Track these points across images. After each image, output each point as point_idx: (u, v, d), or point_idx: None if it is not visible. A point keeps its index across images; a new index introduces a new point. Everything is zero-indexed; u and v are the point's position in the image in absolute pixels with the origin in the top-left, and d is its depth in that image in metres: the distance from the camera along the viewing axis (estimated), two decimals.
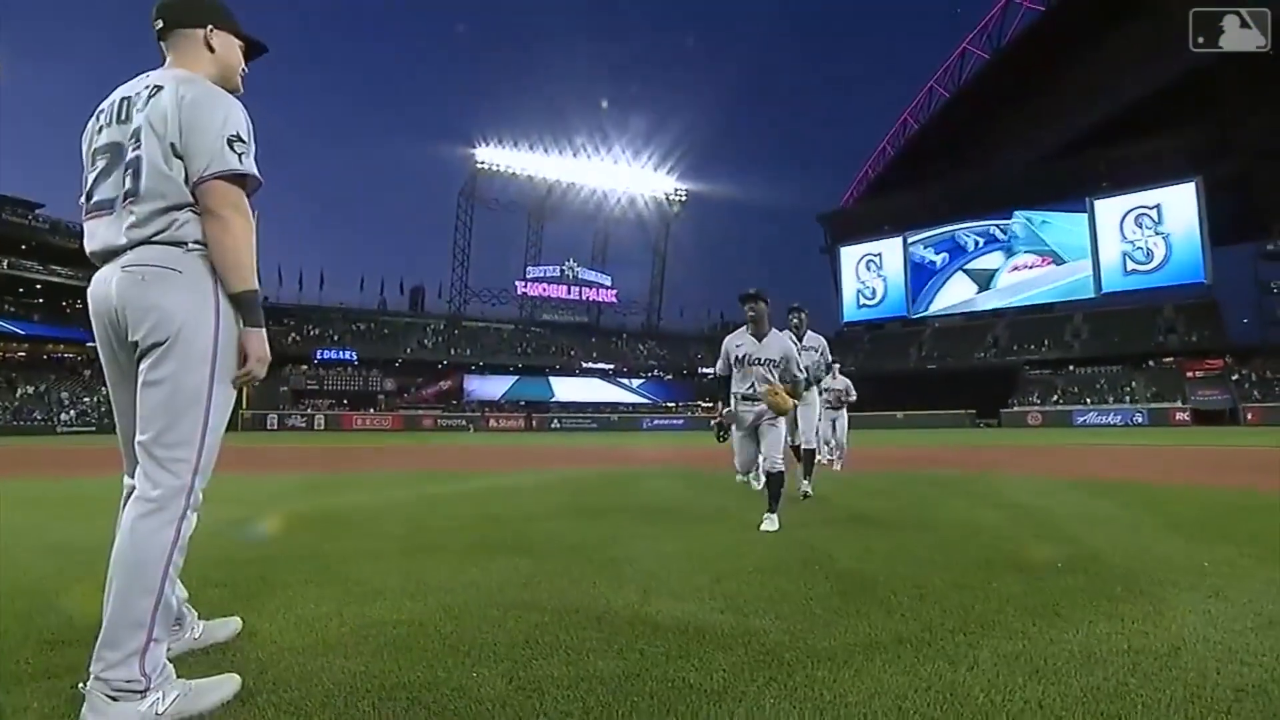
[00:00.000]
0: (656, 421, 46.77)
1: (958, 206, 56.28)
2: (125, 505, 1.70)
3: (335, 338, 50.02)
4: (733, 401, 4.48)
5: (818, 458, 6.10)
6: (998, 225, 55.22)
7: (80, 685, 1.59)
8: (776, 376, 4.37)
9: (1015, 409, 42.65)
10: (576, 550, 3.55)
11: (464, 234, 56.89)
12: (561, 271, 58.50)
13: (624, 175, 59.53)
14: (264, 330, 1.77)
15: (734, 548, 3.64)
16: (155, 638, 1.61)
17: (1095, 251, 50.60)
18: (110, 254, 1.71)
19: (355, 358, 48.96)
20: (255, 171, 1.74)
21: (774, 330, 4.51)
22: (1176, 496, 5.90)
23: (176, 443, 1.65)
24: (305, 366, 47.57)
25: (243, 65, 1.94)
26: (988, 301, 56.24)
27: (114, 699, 1.54)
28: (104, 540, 1.69)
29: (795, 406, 5.62)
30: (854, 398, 8.83)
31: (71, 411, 36.42)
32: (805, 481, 5.64)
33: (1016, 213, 54.05)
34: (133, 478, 1.74)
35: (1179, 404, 39.01)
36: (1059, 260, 52.80)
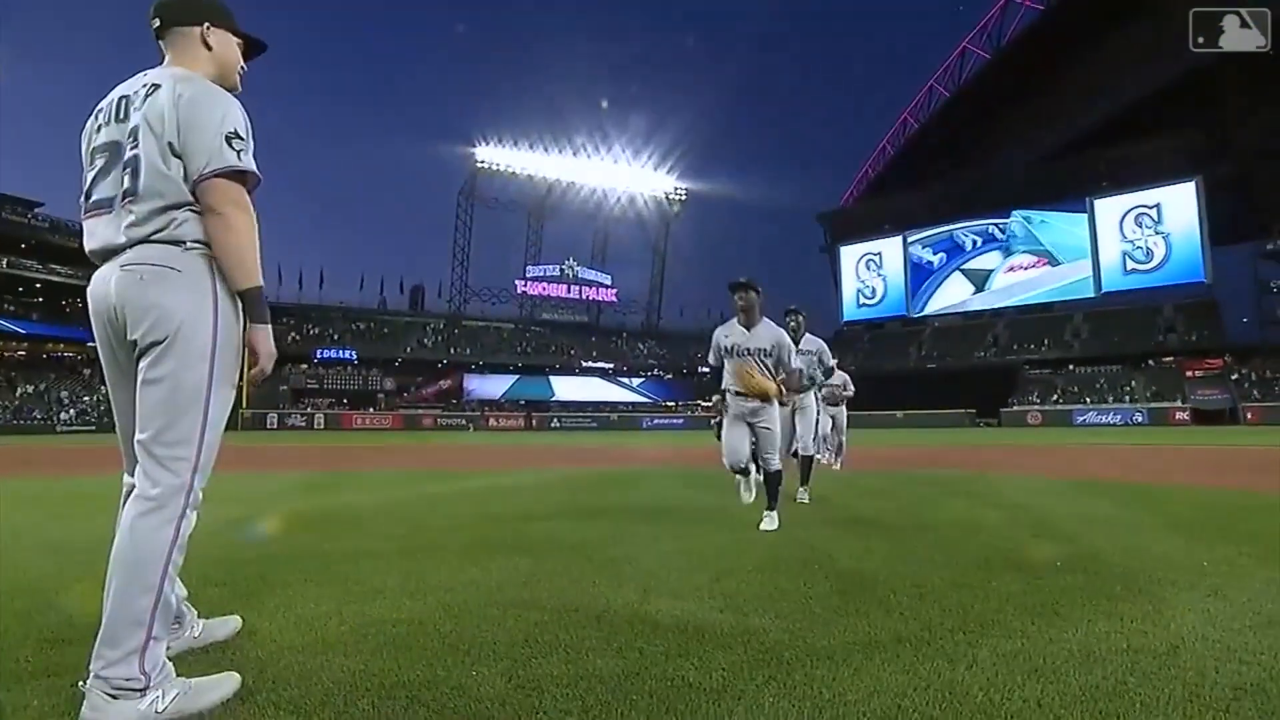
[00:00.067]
0: (656, 421, 46.78)
1: (957, 206, 56.29)
2: (125, 504, 1.71)
3: (335, 337, 50.03)
4: (725, 398, 4.38)
5: (816, 457, 6.02)
6: (996, 225, 55.24)
7: (80, 683, 1.59)
8: (770, 367, 4.25)
9: (1015, 409, 42.65)
10: (576, 549, 3.55)
11: (464, 233, 56.94)
12: (561, 271, 58.50)
13: (624, 174, 59.53)
14: (270, 327, 1.78)
15: (733, 547, 3.64)
16: (155, 636, 1.61)
17: (1095, 251, 50.62)
18: (109, 253, 1.71)
19: (355, 357, 48.97)
20: (255, 168, 1.74)
21: (765, 320, 4.36)
22: (1176, 496, 5.90)
23: (176, 441, 1.65)
24: (305, 366, 47.58)
25: (241, 63, 1.94)
26: (983, 303, 56.32)
27: (114, 697, 1.54)
28: (104, 539, 1.69)
29: (793, 409, 5.55)
30: (852, 392, 8.76)
31: (71, 411, 36.42)
32: (803, 489, 5.54)
33: (1015, 212, 54.07)
34: (132, 476, 1.74)
35: (1179, 404, 39.02)
36: (1054, 261, 52.83)
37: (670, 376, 57.41)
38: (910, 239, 59.48)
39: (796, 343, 5.57)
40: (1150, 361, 45.26)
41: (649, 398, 55.37)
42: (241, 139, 1.71)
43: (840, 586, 2.77)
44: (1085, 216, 51.26)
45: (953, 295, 57.48)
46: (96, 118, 1.79)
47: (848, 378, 8.84)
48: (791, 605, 2.50)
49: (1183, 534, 3.89)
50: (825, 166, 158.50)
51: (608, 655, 2.00)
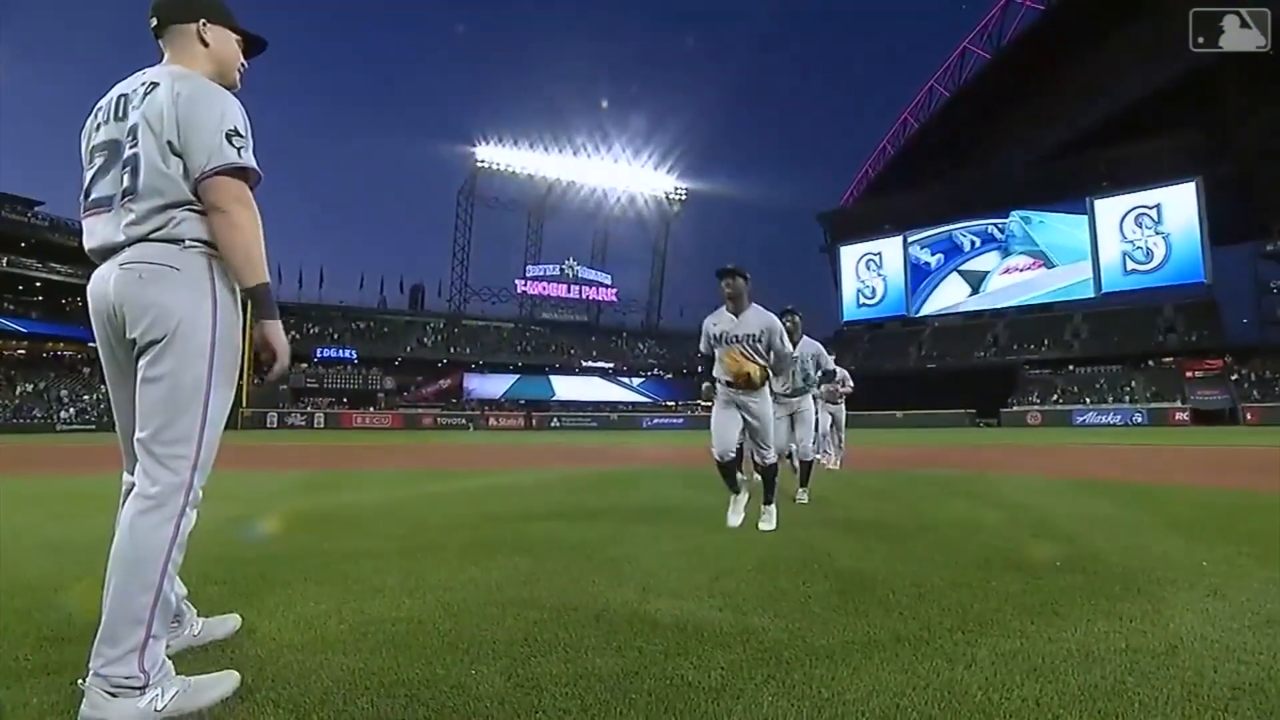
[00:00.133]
0: (656, 420, 46.76)
1: (957, 206, 56.31)
2: (124, 502, 1.71)
3: (335, 336, 50.03)
4: (716, 386, 4.29)
5: (816, 457, 5.99)
6: (996, 225, 55.29)
7: (79, 682, 1.59)
8: (761, 354, 4.13)
9: (1015, 409, 42.65)
10: (575, 548, 3.55)
11: (464, 232, 56.97)
12: (561, 270, 58.52)
13: (624, 174, 59.56)
14: (280, 322, 1.77)
15: (732, 546, 3.64)
16: (154, 634, 1.61)
17: (1095, 251, 50.65)
18: (108, 251, 1.71)
19: (355, 356, 48.97)
20: (255, 165, 1.74)
21: (754, 306, 4.23)
22: (1175, 496, 5.90)
23: (175, 439, 1.65)
24: (305, 365, 47.56)
25: (241, 60, 1.93)
26: (978, 305, 56.45)
27: (113, 695, 1.55)
28: (103, 537, 1.69)
29: (791, 413, 5.46)
30: (851, 388, 8.75)
31: (71, 409, 36.40)
32: (802, 490, 5.54)
33: (1013, 212, 54.11)
34: (132, 475, 1.74)
35: (1178, 404, 39.01)
36: (1050, 263, 52.88)
37: (670, 376, 57.41)
38: (910, 239, 59.50)
39: (793, 345, 5.52)
40: (1150, 362, 45.27)
41: (649, 397, 55.38)
42: (241, 136, 1.71)
43: (839, 586, 2.77)
44: (1084, 217, 51.30)
45: (950, 296, 57.56)
46: (96, 116, 1.79)
47: (846, 374, 8.81)
48: (791, 605, 2.50)
49: (1182, 534, 3.89)
50: (825, 166, 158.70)
51: (607, 654, 2.00)
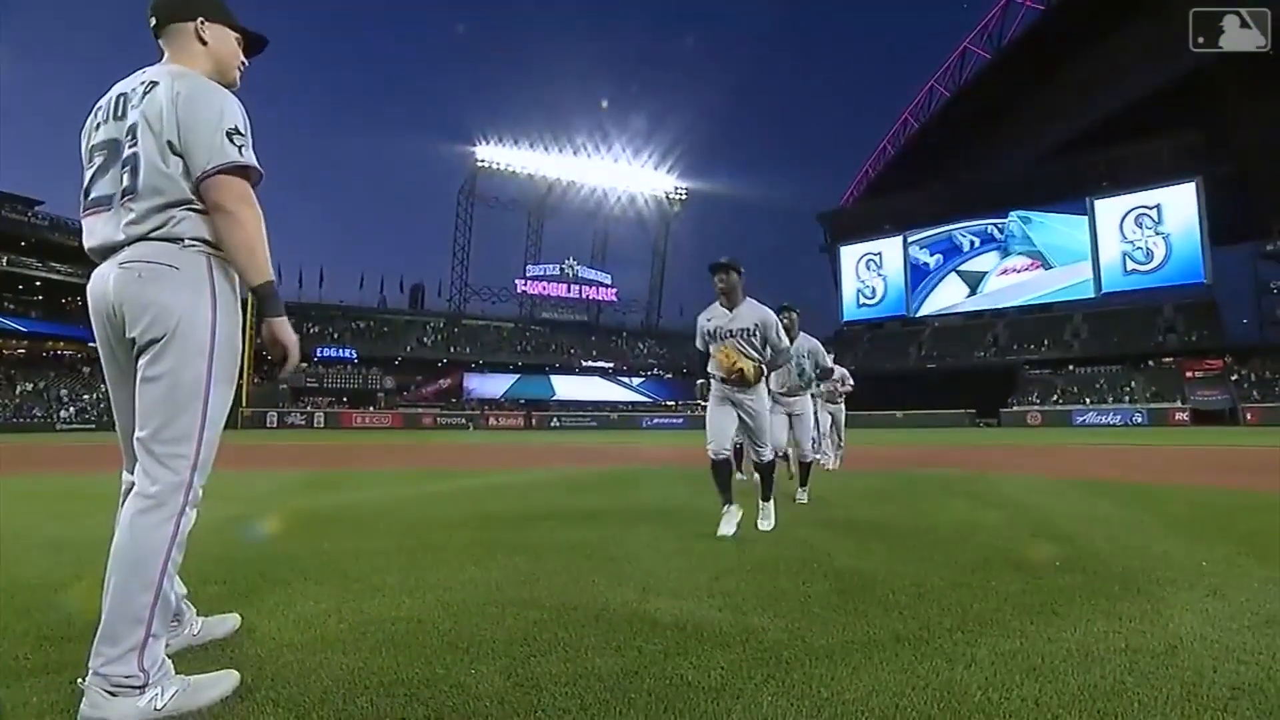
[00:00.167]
0: (656, 420, 46.78)
1: (957, 206, 56.35)
2: (124, 501, 1.71)
3: (335, 335, 50.02)
4: (710, 382, 4.19)
5: (815, 457, 5.98)
6: (995, 225, 55.33)
7: (79, 681, 1.59)
8: (756, 348, 4.05)
9: (1015, 409, 42.66)
10: (575, 548, 3.55)
11: (464, 232, 56.96)
12: (561, 270, 58.52)
13: (624, 174, 59.55)
14: (286, 319, 1.76)
15: (732, 546, 3.64)
16: (154, 633, 1.61)
17: (1095, 251, 50.67)
18: (108, 250, 1.71)
19: (355, 356, 48.96)
20: (256, 163, 1.74)
21: (748, 300, 4.14)
22: (1175, 496, 5.90)
23: (175, 438, 1.65)
24: (305, 364, 47.50)
25: (241, 58, 1.93)
26: (975, 305, 56.50)
27: (113, 694, 1.55)
28: (103, 536, 1.69)
29: (789, 413, 5.41)
30: (851, 387, 8.74)
31: (71, 409, 36.40)
32: (802, 490, 5.52)
33: (1012, 212, 54.14)
34: (132, 474, 1.74)
35: (1178, 404, 39.01)
36: (1047, 264, 52.90)
37: (670, 376, 57.42)
38: (910, 239, 59.51)
39: (790, 342, 5.43)
40: (1150, 362, 45.28)
41: (649, 397, 55.39)
42: (241, 134, 1.71)
43: (839, 586, 2.77)
44: (1082, 218, 51.34)
45: (948, 297, 57.62)
46: (95, 115, 1.79)
47: (846, 373, 8.81)
48: (790, 604, 2.50)
49: (1182, 534, 3.90)
50: (825, 166, 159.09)
51: (607, 654, 2.00)
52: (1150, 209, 48.70)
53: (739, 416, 4.12)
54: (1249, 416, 35.49)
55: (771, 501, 4.28)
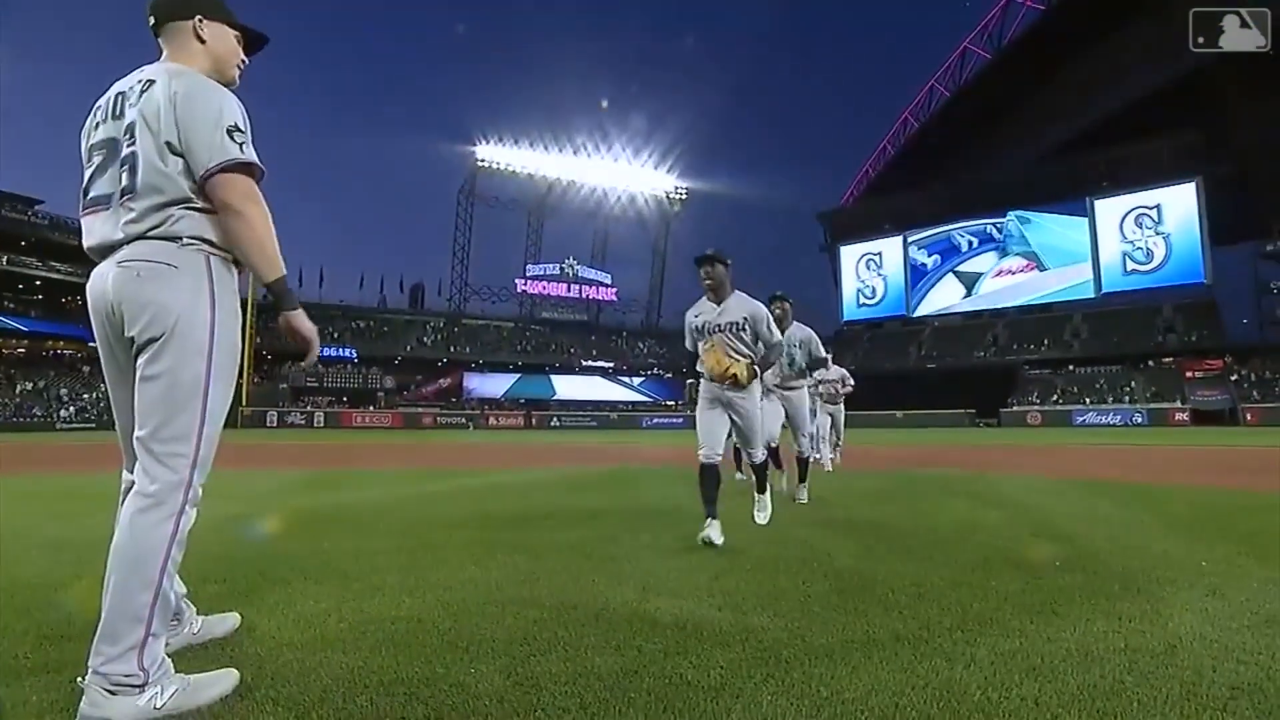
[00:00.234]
0: (656, 420, 46.78)
1: (957, 206, 56.38)
2: (124, 500, 1.71)
3: (335, 335, 50.03)
4: (700, 383, 4.02)
5: (815, 456, 5.93)
6: (994, 225, 55.35)
7: (79, 679, 1.59)
8: (747, 343, 3.87)
9: (1015, 408, 42.66)
10: (575, 547, 3.55)
11: (464, 231, 56.99)
12: (561, 269, 58.55)
13: (624, 173, 59.56)
14: (301, 310, 1.79)
15: (732, 546, 3.63)
16: (154, 632, 1.61)
17: (1095, 251, 50.67)
18: (107, 249, 1.71)
19: (355, 355, 48.98)
20: (257, 160, 1.74)
21: (737, 293, 3.95)
22: (1175, 496, 5.90)
23: (174, 437, 1.65)
24: (305, 364, 47.52)
25: (241, 57, 1.93)
26: (971, 306, 56.53)
27: (112, 693, 1.55)
28: (103, 536, 1.69)
29: (785, 406, 5.32)
30: (851, 387, 8.74)
31: (71, 408, 36.40)
32: (801, 487, 5.48)
33: (1010, 212, 54.16)
34: (132, 473, 1.74)
35: (1178, 404, 39.02)
36: (1041, 266, 52.92)
37: (670, 375, 57.43)
38: (910, 239, 59.52)
39: (781, 332, 5.10)
40: (1150, 362, 45.28)
41: (649, 396, 55.41)
42: (242, 131, 1.71)
43: (839, 585, 2.77)
44: (1078, 218, 51.39)
45: (945, 298, 57.67)
46: (94, 115, 1.79)
47: (846, 373, 8.80)
48: (790, 604, 2.50)
49: (1181, 533, 3.90)
50: (825, 166, 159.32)
51: (606, 653, 2.00)
52: (1150, 209, 48.70)
53: (730, 418, 3.95)
54: (1249, 416, 35.49)
55: (767, 494, 4.25)
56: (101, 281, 1.70)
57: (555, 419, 46.70)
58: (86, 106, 1.83)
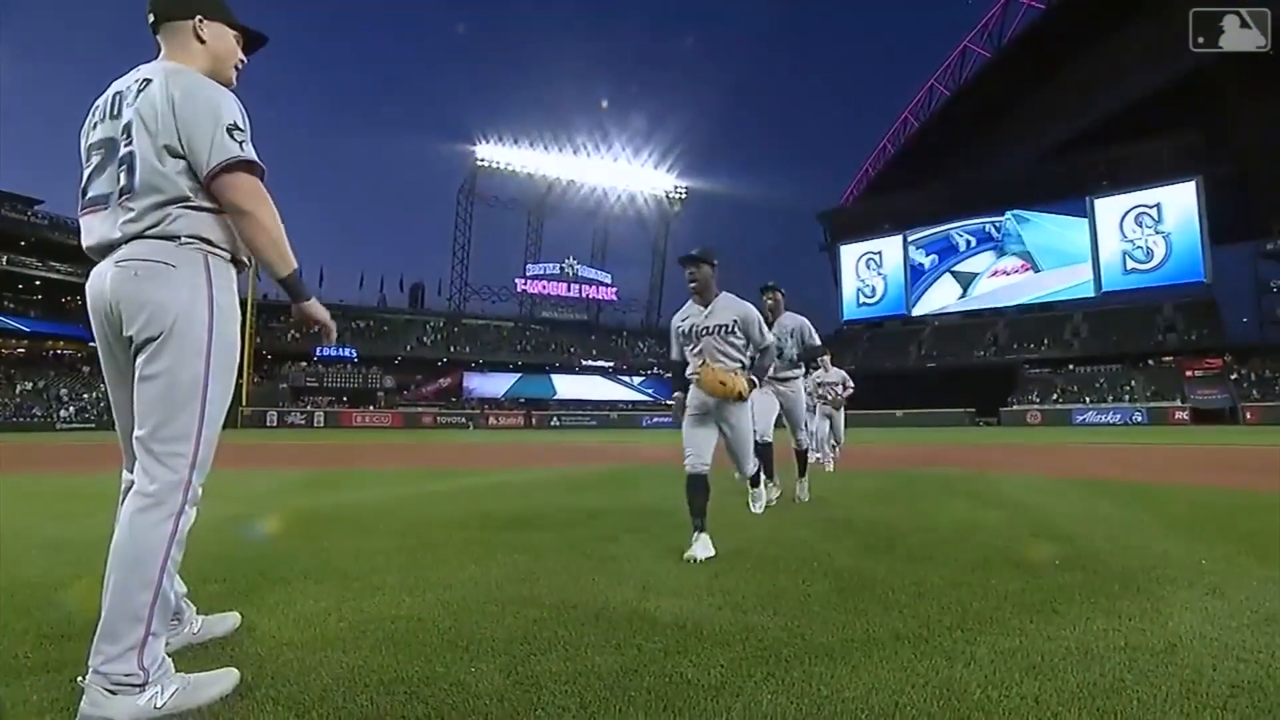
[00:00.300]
0: (656, 419, 46.74)
1: (957, 205, 56.39)
2: (124, 500, 1.71)
3: (335, 335, 50.01)
4: (687, 393, 3.83)
5: (814, 456, 5.90)
6: (993, 224, 55.37)
7: (79, 679, 1.59)
8: (738, 346, 3.66)
9: (1015, 408, 42.67)
10: (575, 547, 3.55)
11: (464, 231, 57.04)
12: (561, 269, 58.58)
13: (624, 173, 59.60)
14: (314, 299, 1.86)
15: (732, 545, 3.63)
16: (154, 632, 1.61)
17: (1095, 250, 50.68)
18: (105, 249, 1.71)
19: (355, 355, 48.96)
20: (257, 158, 1.74)
21: (724, 294, 3.74)
22: (1175, 495, 5.90)
23: (173, 437, 1.65)
24: (305, 363, 47.60)
25: (240, 56, 1.93)
26: (966, 306, 56.62)
27: (113, 693, 1.55)
28: (103, 535, 1.69)
29: (781, 402, 5.20)
30: (851, 389, 8.74)
31: (70, 408, 36.40)
32: (801, 483, 5.46)
33: (1008, 211, 54.18)
34: (132, 472, 1.74)
35: (1178, 403, 39.03)
36: (1035, 267, 52.93)
37: (670, 375, 57.18)
38: (910, 238, 59.53)
39: (771, 323, 5.06)
40: (1150, 361, 45.29)
41: (649, 396, 55.39)
42: (241, 130, 1.71)
43: (839, 584, 2.77)
44: (1079, 219, 51.35)
45: (942, 298, 57.72)
46: (93, 115, 1.79)
47: (846, 376, 8.81)
48: (790, 603, 2.50)
49: (1181, 533, 3.89)
50: (825, 165, 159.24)
51: (606, 652, 2.00)
52: (1150, 208, 48.71)
53: (720, 429, 3.73)
54: (1249, 416, 35.50)
55: (761, 485, 4.21)
56: (100, 281, 1.70)
57: (555, 418, 46.70)
58: (86, 106, 1.83)
